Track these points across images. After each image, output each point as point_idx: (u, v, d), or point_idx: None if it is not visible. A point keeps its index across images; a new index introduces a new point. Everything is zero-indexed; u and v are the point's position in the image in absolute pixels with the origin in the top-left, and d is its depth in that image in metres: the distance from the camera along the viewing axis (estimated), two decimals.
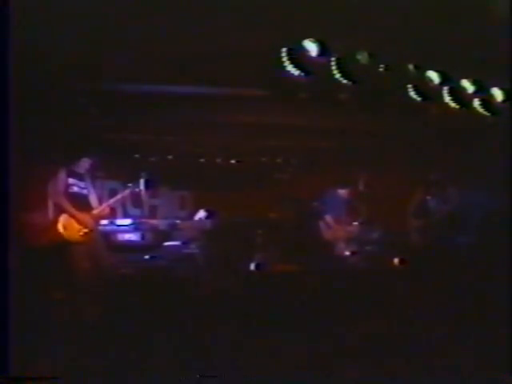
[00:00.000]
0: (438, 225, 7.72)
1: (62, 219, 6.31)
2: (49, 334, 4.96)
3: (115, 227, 7.55)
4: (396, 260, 6.88)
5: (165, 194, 8.71)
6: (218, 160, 8.72)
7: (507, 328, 5.06)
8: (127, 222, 7.70)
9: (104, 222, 7.12)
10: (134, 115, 6.98)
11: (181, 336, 5.14)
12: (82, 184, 6.53)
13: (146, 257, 7.17)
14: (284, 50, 5.69)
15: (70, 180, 6.45)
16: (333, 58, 5.83)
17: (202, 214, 7.81)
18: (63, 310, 5.61)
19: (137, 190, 6.82)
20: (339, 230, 7.90)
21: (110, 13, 5.10)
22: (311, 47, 5.69)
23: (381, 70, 5.98)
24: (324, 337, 5.28)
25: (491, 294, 5.68)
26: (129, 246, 7.47)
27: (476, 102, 6.50)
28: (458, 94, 6.40)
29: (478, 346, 5.00)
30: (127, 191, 6.85)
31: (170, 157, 8.50)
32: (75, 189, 6.48)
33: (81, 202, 6.46)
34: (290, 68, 5.73)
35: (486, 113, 6.49)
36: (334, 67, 5.85)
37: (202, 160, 8.70)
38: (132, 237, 7.62)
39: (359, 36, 5.60)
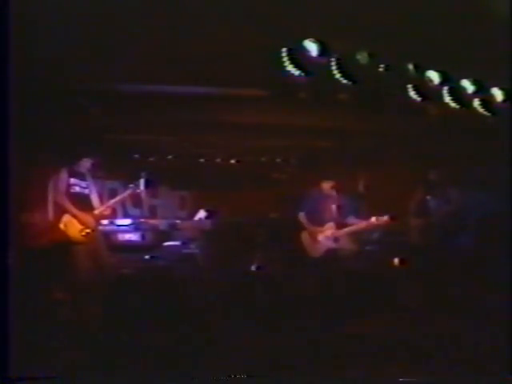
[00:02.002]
0: (438, 225, 7.71)
1: (64, 219, 6.31)
2: (49, 333, 4.96)
3: (115, 227, 7.55)
4: (396, 260, 6.88)
5: (165, 194, 8.71)
6: (218, 160, 8.72)
7: (507, 328, 5.05)
8: (127, 221, 7.70)
9: (105, 221, 7.12)
10: (134, 115, 6.98)
11: (181, 336, 5.14)
12: (82, 184, 6.53)
13: (146, 257, 7.17)
14: (284, 49, 5.69)
15: (71, 180, 6.45)
16: (333, 58, 5.84)
17: (202, 213, 7.81)
18: (63, 310, 5.61)
19: (137, 190, 6.81)
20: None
21: (109, 13, 5.10)
22: (311, 47, 5.69)
23: (381, 70, 5.98)
24: (324, 337, 5.28)
25: (491, 293, 5.69)
26: (129, 246, 7.47)
27: (476, 102, 6.50)
28: (458, 93, 6.40)
29: (478, 346, 5.00)
30: (128, 191, 6.84)
31: (169, 157, 8.51)
32: (76, 189, 6.48)
33: (82, 202, 6.45)
34: (290, 68, 5.73)
35: (485, 113, 6.49)
36: (333, 67, 5.86)
37: (201, 160, 8.70)
38: (132, 237, 7.62)
39: (359, 36, 5.61)
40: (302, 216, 7.64)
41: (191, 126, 7.38)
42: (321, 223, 7.54)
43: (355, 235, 7.54)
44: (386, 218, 7.32)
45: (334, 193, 7.67)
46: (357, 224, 7.53)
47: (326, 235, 7.44)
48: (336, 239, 7.45)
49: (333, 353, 4.96)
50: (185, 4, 5.08)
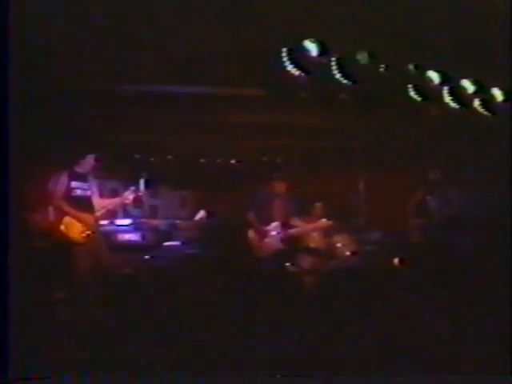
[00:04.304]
0: (438, 225, 7.71)
1: (64, 220, 6.30)
2: (49, 333, 4.96)
3: (116, 227, 7.55)
4: (396, 260, 6.88)
5: (165, 194, 8.72)
6: (218, 160, 8.72)
7: (507, 328, 5.06)
8: (127, 222, 7.70)
9: (105, 222, 7.12)
10: (134, 115, 6.98)
11: (181, 336, 5.14)
12: (82, 185, 6.50)
13: (146, 257, 7.17)
14: (284, 49, 5.70)
15: (71, 181, 6.43)
16: (333, 58, 5.84)
17: (202, 213, 7.81)
18: (63, 310, 5.61)
19: (139, 193, 6.78)
20: (340, 231, 7.87)
21: (110, 13, 5.10)
22: (311, 47, 5.69)
23: (381, 70, 5.98)
24: (324, 337, 5.28)
25: (491, 293, 5.68)
26: (129, 246, 7.47)
27: (476, 102, 6.51)
28: (458, 93, 6.41)
29: (478, 346, 5.00)
30: (130, 195, 6.78)
31: (169, 157, 8.51)
32: (76, 190, 6.45)
33: (82, 204, 6.44)
34: (290, 68, 5.73)
35: (485, 113, 6.49)
36: (333, 67, 5.86)
37: (202, 160, 8.71)
38: (132, 237, 7.62)
39: (359, 36, 5.61)
40: (250, 214, 7.58)
41: (191, 126, 7.39)
42: (267, 222, 7.53)
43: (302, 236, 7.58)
44: (324, 220, 7.41)
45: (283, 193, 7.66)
46: (302, 226, 7.55)
47: (272, 235, 7.45)
48: (282, 240, 7.47)
49: (332, 352, 4.96)
50: (185, 4, 5.09)
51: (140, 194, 6.77)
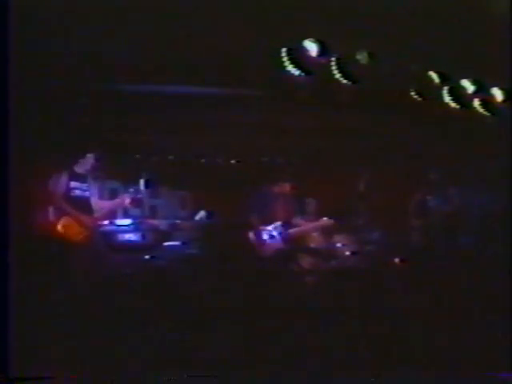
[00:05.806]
0: (438, 225, 7.71)
1: (63, 221, 6.30)
2: (49, 333, 4.96)
3: (115, 227, 7.54)
4: (396, 260, 6.88)
5: (165, 194, 8.71)
6: (218, 160, 8.72)
7: (507, 328, 5.06)
8: (127, 222, 7.69)
9: (104, 222, 7.12)
10: (134, 115, 6.98)
11: (180, 336, 5.14)
12: (82, 186, 6.50)
13: (146, 257, 7.16)
14: (284, 49, 5.70)
15: (70, 182, 6.42)
16: (333, 58, 5.85)
17: (202, 214, 7.81)
18: (63, 310, 5.61)
19: (138, 195, 6.77)
20: (340, 230, 7.88)
21: (110, 13, 5.11)
22: (311, 47, 5.70)
23: (381, 70, 5.99)
24: (324, 337, 5.28)
25: (491, 293, 5.68)
26: (129, 246, 7.46)
27: (476, 102, 6.51)
28: (457, 93, 6.41)
29: (478, 346, 5.00)
30: (126, 196, 6.76)
31: (170, 157, 8.51)
32: (75, 191, 6.45)
33: (81, 204, 6.43)
34: (290, 68, 5.74)
35: (485, 113, 6.50)
36: (333, 67, 5.87)
37: (202, 160, 8.70)
38: (132, 237, 7.61)
39: (359, 36, 5.62)
40: (252, 215, 7.56)
41: (191, 126, 7.39)
42: (268, 222, 7.52)
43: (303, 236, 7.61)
44: (325, 219, 7.43)
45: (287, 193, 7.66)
46: (304, 225, 7.58)
47: (272, 235, 7.47)
48: (283, 239, 7.49)
49: (332, 352, 4.96)
50: (185, 4, 5.10)
51: (138, 196, 6.77)
